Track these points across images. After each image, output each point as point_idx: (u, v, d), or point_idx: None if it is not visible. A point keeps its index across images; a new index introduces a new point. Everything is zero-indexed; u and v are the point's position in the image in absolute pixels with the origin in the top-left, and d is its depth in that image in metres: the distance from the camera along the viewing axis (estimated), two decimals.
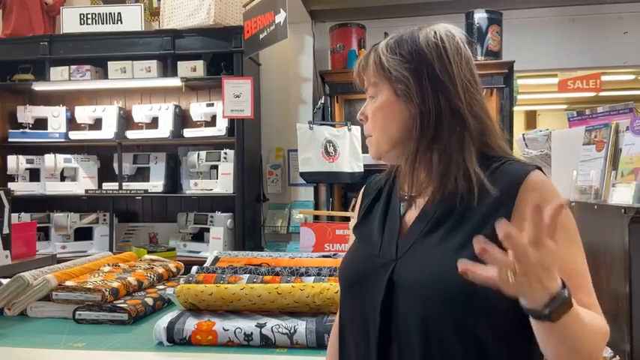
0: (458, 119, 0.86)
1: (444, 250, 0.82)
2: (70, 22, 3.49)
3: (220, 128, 3.35)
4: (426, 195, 0.91)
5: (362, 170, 3.29)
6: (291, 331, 1.29)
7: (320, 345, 1.28)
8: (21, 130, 3.55)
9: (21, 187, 3.48)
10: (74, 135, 3.54)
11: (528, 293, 0.66)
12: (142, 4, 3.58)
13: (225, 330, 1.30)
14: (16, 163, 3.47)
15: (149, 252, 2.97)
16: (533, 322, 0.71)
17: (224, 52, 3.32)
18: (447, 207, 0.86)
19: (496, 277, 0.65)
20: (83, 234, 3.56)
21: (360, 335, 0.89)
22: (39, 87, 3.48)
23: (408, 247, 0.86)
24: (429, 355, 0.80)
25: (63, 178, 3.63)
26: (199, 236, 3.51)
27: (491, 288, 0.73)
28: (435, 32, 0.89)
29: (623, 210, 1.41)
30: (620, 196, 1.47)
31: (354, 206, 1.08)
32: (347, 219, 2.69)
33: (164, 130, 3.44)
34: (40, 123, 3.60)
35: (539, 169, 0.85)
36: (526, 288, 0.65)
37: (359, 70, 0.96)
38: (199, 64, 3.32)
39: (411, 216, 0.91)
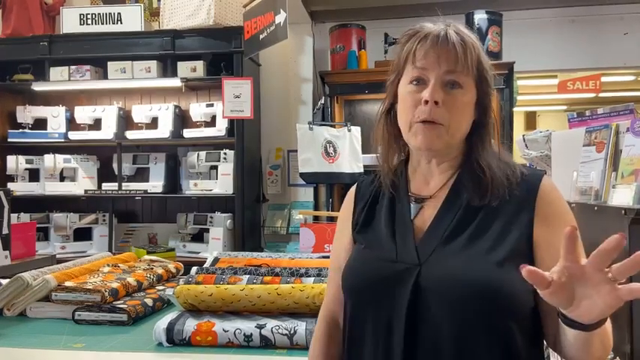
0: (492, 130, 0.94)
1: (474, 254, 0.82)
2: (69, 23, 3.49)
3: (220, 129, 3.35)
4: (437, 197, 0.91)
5: (362, 171, 3.29)
6: (291, 332, 1.29)
7: None
8: (20, 130, 3.55)
9: (20, 188, 3.48)
10: (74, 135, 3.53)
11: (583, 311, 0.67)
12: (142, 5, 3.58)
13: (225, 331, 1.30)
14: (15, 163, 3.47)
15: (148, 252, 2.97)
16: (572, 332, 0.72)
17: (224, 53, 3.32)
18: (466, 210, 0.87)
19: (555, 284, 0.65)
20: (82, 234, 3.55)
21: (378, 341, 0.86)
22: (38, 87, 3.48)
23: (432, 251, 0.85)
24: (461, 357, 0.80)
25: (62, 179, 3.63)
26: (199, 237, 3.50)
27: (522, 290, 0.77)
28: None
29: (623, 211, 1.40)
30: (621, 197, 1.46)
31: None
32: None
33: (164, 130, 3.44)
34: (40, 123, 3.59)
35: (545, 172, 0.92)
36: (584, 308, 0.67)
37: (461, 53, 0.87)
38: (199, 65, 3.32)
39: (423, 219, 0.91)
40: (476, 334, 0.79)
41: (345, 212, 1.04)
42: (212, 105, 3.42)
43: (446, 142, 0.89)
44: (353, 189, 1.06)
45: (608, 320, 0.75)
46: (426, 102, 0.86)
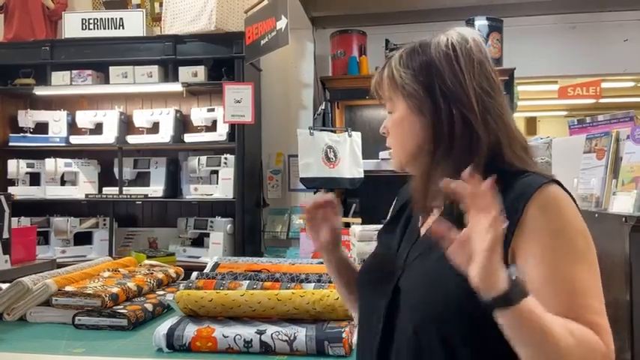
0: (470, 130, 0.84)
1: (445, 259, 0.81)
2: (71, 27, 3.50)
3: (221, 133, 3.36)
4: (439, 208, 0.92)
5: (362, 176, 3.29)
6: (291, 338, 1.28)
7: (320, 352, 1.28)
8: (22, 134, 3.56)
9: (21, 192, 3.48)
10: (75, 139, 3.54)
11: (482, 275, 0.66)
12: (144, 10, 3.59)
13: (225, 336, 1.30)
14: (16, 167, 3.47)
15: (149, 257, 2.96)
16: (501, 320, 0.68)
17: (225, 58, 3.33)
18: (455, 219, 0.84)
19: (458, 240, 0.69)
20: (83, 238, 3.55)
21: (366, 337, 0.93)
22: (40, 91, 3.49)
23: (416, 257, 0.89)
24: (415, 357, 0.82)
25: (63, 183, 3.63)
26: (199, 241, 3.50)
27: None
28: (447, 39, 0.87)
29: (623, 218, 1.41)
30: (621, 204, 1.47)
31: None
32: (347, 225, 2.69)
33: (165, 134, 3.44)
34: (41, 127, 3.60)
35: (558, 182, 0.81)
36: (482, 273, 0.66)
37: (375, 86, 0.98)
38: (200, 70, 3.32)
39: (425, 228, 0.94)
40: (432, 343, 0.80)
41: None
42: (213, 110, 3.43)
43: (398, 162, 0.95)
44: (399, 192, 1.13)
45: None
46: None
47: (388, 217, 1.08)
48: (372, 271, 0.99)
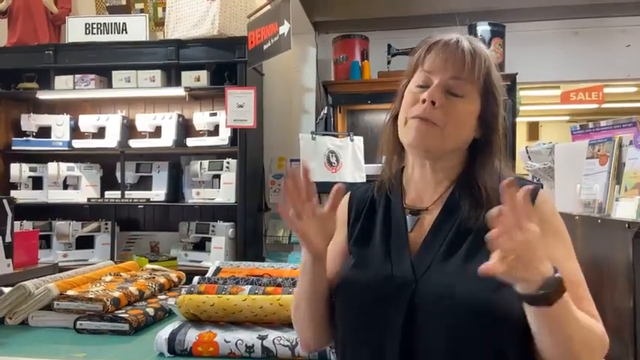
0: (498, 151, 0.92)
1: (471, 273, 0.80)
2: (75, 32, 3.52)
3: (223, 138, 3.36)
4: (432, 210, 0.91)
5: (364, 180, 3.29)
6: (293, 343, 1.28)
7: (322, 357, 1.27)
8: (24, 138, 3.56)
9: (24, 195, 3.49)
10: (77, 143, 3.55)
11: (523, 275, 0.68)
12: (147, 15, 3.61)
13: (227, 341, 1.30)
14: (19, 171, 3.48)
15: (150, 261, 2.97)
16: (531, 313, 0.73)
17: (228, 62, 3.34)
18: (462, 224, 0.86)
19: (499, 266, 0.68)
20: (85, 242, 3.55)
21: (372, 358, 0.86)
22: (43, 95, 3.50)
23: (427, 268, 0.84)
24: None
25: (65, 187, 3.64)
26: (201, 245, 3.50)
27: (517, 309, 0.76)
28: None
29: (627, 224, 1.40)
30: (624, 210, 1.46)
31: None
32: None
33: (167, 139, 3.45)
34: (44, 131, 3.61)
35: (542, 186, 0.92)
36: (521, 270, 0.68)
37: (460, 60, 0.87)
38: (203, 74, 3.33)
39: (417, 233, 0.90)
40: (472, 354, 0.79)
41: (339, 218, 1.01)
42: (215, 114, 3.43)
43: (438, 143, 0.88)
44: (347, 196, 1.04)
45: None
46: (424, 101, 0.87)
47: (352, 226, 0.98)
48: (367, 286, 0.88)
